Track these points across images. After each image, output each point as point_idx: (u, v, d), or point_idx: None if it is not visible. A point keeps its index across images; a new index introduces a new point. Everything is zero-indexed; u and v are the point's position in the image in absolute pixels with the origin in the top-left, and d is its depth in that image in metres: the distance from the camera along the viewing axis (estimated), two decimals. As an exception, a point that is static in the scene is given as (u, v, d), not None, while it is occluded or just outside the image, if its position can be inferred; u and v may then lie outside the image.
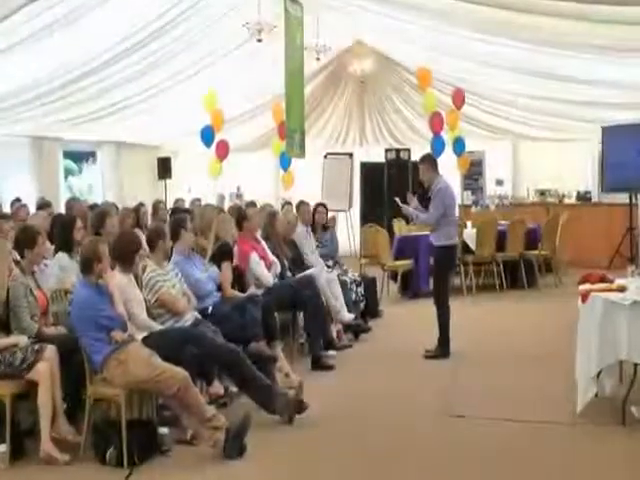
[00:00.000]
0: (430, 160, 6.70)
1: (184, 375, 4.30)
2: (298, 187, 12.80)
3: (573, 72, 10.09)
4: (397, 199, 6.80)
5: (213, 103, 10.78)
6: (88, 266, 4.45)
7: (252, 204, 8.26)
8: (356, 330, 7.60)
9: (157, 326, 4.92)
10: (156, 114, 11.35)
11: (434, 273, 6.71)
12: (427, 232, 9.77)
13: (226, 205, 11.84)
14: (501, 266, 10.20)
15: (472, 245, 10.09)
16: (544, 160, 13.31)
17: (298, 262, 7.50)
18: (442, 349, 6.54)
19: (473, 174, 13.77)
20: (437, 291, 6.63)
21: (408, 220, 11.62)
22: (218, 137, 11.03)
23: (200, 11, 9.19)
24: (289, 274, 7.14)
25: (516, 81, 11.13)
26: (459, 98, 11.39)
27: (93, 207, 8.27)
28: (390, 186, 14.56)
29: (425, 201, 6.86)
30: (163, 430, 4.54)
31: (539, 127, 12.86)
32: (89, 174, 15.55)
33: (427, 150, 11.64)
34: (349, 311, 7.40)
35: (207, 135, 10.90)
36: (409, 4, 9.24)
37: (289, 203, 9.57)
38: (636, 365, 4.67)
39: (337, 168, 15.09)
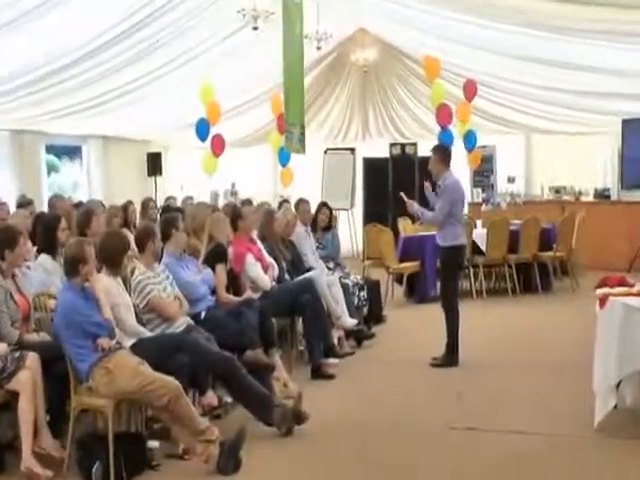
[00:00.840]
0: (443, 151, 6.67)
1: (175, 385, 4.29)
2: (297, 184, 12.81)
3: (592, 61, 10.08)
4: (403, 194, 6.76)
5: (209, 95, 10.77)
6: (73, 269, 4.45)
7: (248, 202, 8.27)
8: (359, 336, 7.60)
9: (147, 332, 4.92)
10: (146, 106, 11.34)
11: (441, 276, 6.72)
12: (434, 232, 9.86)
13: (220, 203, 11.85)
14: (513, 269, 10.20)
15: (482, 246, 10.09)
16: (559, 155, 13.30)
17: (297, 264, 7.50)
18: (450, 357, 6.54)
19: (483, 170, 13.78)
20: (444, 295, 6.65)
21: (414, 219, 11.68)
22: (214, 131, 11.04)
23: (191, -4, 9.20)
24: (287, 277, 7.14)
25: (530, 71, 11.13)
26: (471, 89, 11.39)
27: (78, 205, 8.28)
28: (395, 183, 14.57)
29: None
30: (153, 444, 4.54)
31: (554, 120, 12.84)
32: (74, 170, 15.56)
33: (434, 144, 11.69)
34: (351, 316, 7.40)
35: (202, 129, 10.90)
36: (415, -11, 9.26)
37: (286, 201, 9.57)
38: (658, 374, 4.67)
39: (338, 164, 15.11)
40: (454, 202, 6.56)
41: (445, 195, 6.50)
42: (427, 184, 6.73)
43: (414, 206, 6.68)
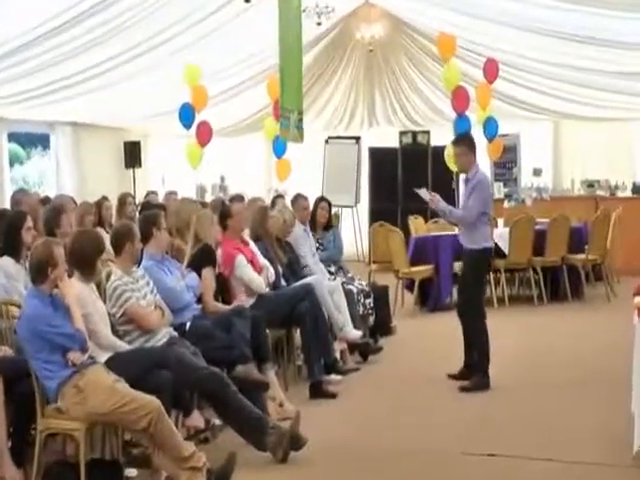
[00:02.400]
0: (469, 142, 6.65)
1: (156, 405, 4.29)
2: (294, 178, 12.81)
3: (631, 37, 10.07)
4: (421, 190, 6.71)
5: (195, 77, 10.77)
6: (40, 273, 4.44)
7: (239, 198, 8.23)
8: (364, 350, 7.60)
9: (124, 345, 4.92)
10: (122, 90, 11.34)
11: (468, 282, 6.64)
12: (450, 232, 9.90)
13: (208, 199, 11.84)
14: (539, 273, 10.21)
15: (504, 248, 10.09)
16: (593, 144, 13.33)
17: (294, 268, 7.50)
18: (482, 379, 6.45)
19: (506, 162, 13.79)
20: (471, 304, 6.56)
21: (427, 217, 11.70)
22: (199, 118, 11.04)
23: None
24: (284, 282, 7.14)
25: (559, 49, 11.13)
26: (491, 70, 11.39)
27: (45, 201, 8.27)
28: (405, 176, 14.59)
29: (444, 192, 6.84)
30: (131, 472, 4.54)
31: (587, 104, 12.85)
32: (40, 161, 15.56)
33: (449, 133, 11.71)
34: (356, 327, 7.39)
35: (186, 115, 10.90)
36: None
37: (281, 196, 9.57)
38: None
39: (341, 155, 15.12)
40: (488, 199, 6.58)
41: (478, 191, 6.47)
42: (435, 197, 6.61)
43: (440, 203, 6.59)
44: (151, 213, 5.97)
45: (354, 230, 14.79)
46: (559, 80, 12.29)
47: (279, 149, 12.29)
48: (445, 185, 12.38)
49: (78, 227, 6.69)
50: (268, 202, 8.94)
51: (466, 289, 6.65)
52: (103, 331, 4.80)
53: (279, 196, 9.60)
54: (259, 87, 12.40)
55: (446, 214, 6.76)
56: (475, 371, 6.53)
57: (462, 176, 7.03)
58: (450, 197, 12.52)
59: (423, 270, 9.94)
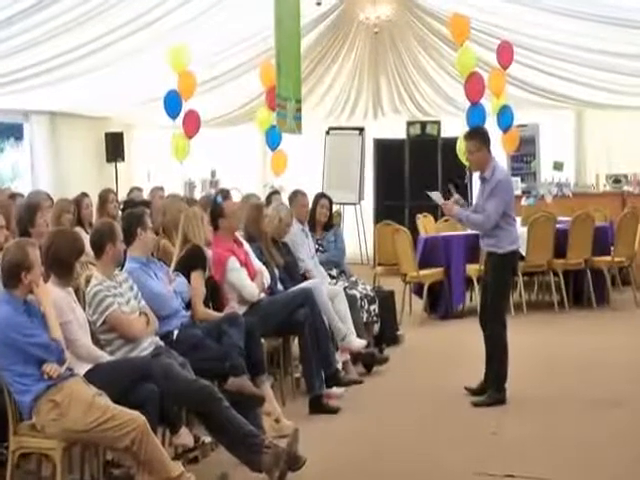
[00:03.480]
0: (483, 136, 6.59)
1: (141, 421, 4.29)
2: (292, 173, 12.80)
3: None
4: (433, 194, 6.71)
5: (182, 62, 10.77)
6: (13, 277, 4.44)
7: (225, 192, 8.21)
8: (369, 361, 7.61)
9: (105, 356, 4.92)
10: (104, 75, 11.34)
11: (491, 288, 6.61)
12: (462, 232, 9.90)
13: (197, 196, 11.84)
14: (560, 277, 10.21)
15: (522, 249, 10.06)
16: (619, 135, 13.29)
17: (292, 271, 7.50)
18: (497, 392, 6.46)
19: (523, 155, 13.78)
20: (494, 312, 6.53)
21: (437, 215, 11.70)
22: (186, 107, 11.03)
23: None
24: (280, 287, 7.15)
25: (583, 30, 11.13)
26: (506, 54, 11.39)
27: (18, 198, 8.27)
28: (413, 171, 14.59)
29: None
30: (113, 495, 4.54)
31: (612, 91, 12.84)
32: (13, 154, 15.55)
33: (461, 123, 11.69)
34: (359, 336, 7.40)
35: (172, 103, 10.90)
36: None
37: (277, 192, 9.58)
38: None
39: (343, 147, 15.12)
40: (509, 199, 6.53)
41: (499, 193, 6.42)
42: (449, 202, 6.59)
43: (453, 209, 6.56)
44: (135, 211, 5.97)
45: (357, 230, 14.79)
46: (582, 64, 12.26)
47: (273, 141, 12.29)
48: (456, 179, 12.36)
49: (55, 226, 6.69)
50: (263, 199, 8.93)
51: (489, 296, 6.62)
52: (82, 340, 4.79)
53: (275, 192, 9.60)
54: (252, 73, 12.40)
55: (462, 220, 6.72)
56: (490, 385, 6.53)
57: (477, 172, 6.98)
58: (463, 194, 12.52)
59: (433, 273, 9.94)
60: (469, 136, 6.67)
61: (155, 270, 5.73)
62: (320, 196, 8.70)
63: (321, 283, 7.38)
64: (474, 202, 6.86)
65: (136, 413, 4.33)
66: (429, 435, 5.88)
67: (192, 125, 11.16)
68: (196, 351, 5.36)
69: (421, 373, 7.58)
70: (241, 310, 6.29)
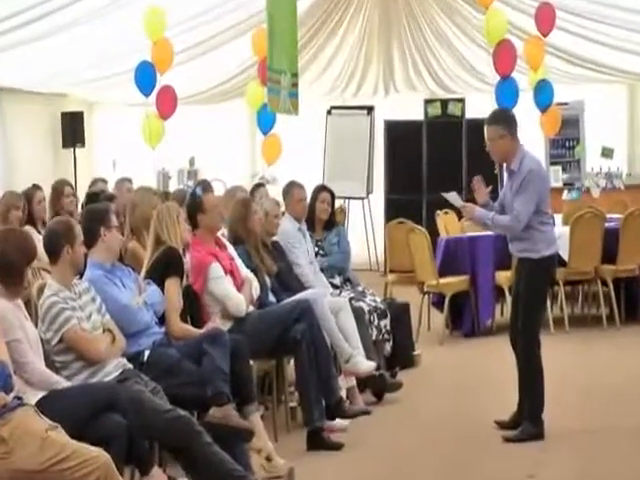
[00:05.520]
0: (507, 120, 6.59)
1: (104, 460, 4.28)
2: (287, 161, 12.81)
3: None
4: (452, 194, 6.71)
5: (158, 27, 10.75)
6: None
7: (206, 184, 8.20)
8: (379, 387, 7.59)
9: (62, 382, 4.91)
10: (59, 44, 11.34)
11: (523, 301, 6.62)
12: (490, 232, 9.87)
13: (172, 189, 11.84)
14: (610, 286, 10.20)
15: (563, 253, 10.07)
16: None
17: (286, 279, 7.51)
18: (533, 426, 6.43)
19: (565, 139, 13.80)
20: (527, 328, 6.53)
21: (461, 214, 11.67)
22: (161, 81, 11.03)
23: None
24: (272, 298, 7.15)
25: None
26: (546, 19, 11.39)
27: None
28: (432, 158, 14.57)
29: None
30: None
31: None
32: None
33: (490, 101, 11.68)
34: (368, 357, 7.39)
35: (145, 77, 10.89)
36: None
37: (262, 185, 9.56)
38: None
39: (348, 130, 15.11)
40: (543, 194, 6.51)
41: (530, 187, 6.40)
42: (483, 192, 6.61)
43: (474, 211, 6.58)
44: (97, 207, 5.98)
45: (365, 229, 14.80)
46: (636, 30, 12.26)
47: (265, 122, 12.29)
48: (485, 170, 12.33)
49: (1, 225, 6.68)
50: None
51: (520, 309, 6.60)
52: (34, 363, 4.78)
53: (259, 185, 9.57)
54: (240, 41, 12.40)
55: (487, 224, 6.69)
56: (525, 417, 6.51)
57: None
58: (492, 186, 12.52)
59: (456, 282, 9.93)
60: (491, 121, 6.63)
61: (122, 278, 5.72)
62: (320, 189, 8.69)
63: (322, 294, 7.37)
64: (500, 196, 6.81)
65: (99, 450, 4.30)
66: (451, 477, 5.87)
67: (167, 103, 11.15)
68: (171, 375, 5.35)
69: (441, 402, 7.56)
70: (225, 326, 6.28)
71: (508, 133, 6.50)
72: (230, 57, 13.19)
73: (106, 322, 5.29)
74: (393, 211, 13.85)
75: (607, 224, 10.28)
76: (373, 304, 8.09)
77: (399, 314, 8.43)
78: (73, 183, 10.01)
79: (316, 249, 8.32)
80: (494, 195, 6.86)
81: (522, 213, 6.38)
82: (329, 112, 15.32)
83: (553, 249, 6.62)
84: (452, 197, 6.79)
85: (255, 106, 12.29)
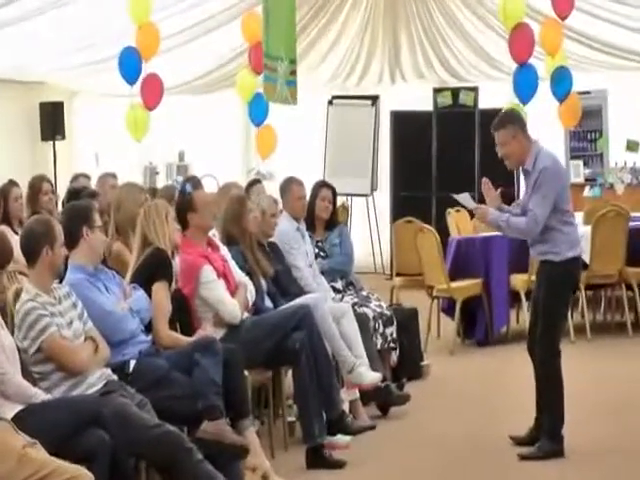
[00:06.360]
0: (516, 120, 6.61)
1: (87, 478, 4.28)
2: (284, 155, 12.81)
3: None
4: (464, 195, 6.71)
5: (143, 11, 10.75)
6: None
7: (195, 180, 8.21)
8: (384, 400, 7.58)
9: (40, 394, 4.90)
10: (37, 27, 11.34)
11: (544, 306, 6.61)
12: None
13: (160, 185, 11.84)
14: (636, 291, 10.21)
15: (584, 255, 10.04)
16: None
17: (284, 283, 7.51)
18: (552, 442, 6.42)
19: (586, 131, 13.79)
20: (547, 338, 6.52)
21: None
22: (147, 69, 11.02)
23: None
24: (269, 304, 7.15)
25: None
26: (564, 1, 11.38)
27: None
28: (442, 152, 14.59)
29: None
30: None
31: None
32: None
33: (506, 90, 11.68)
34: (372, 367, 7.39)
35: (129, 65, 10.89)
36: None
37: (258, 181, 9.56)
38: None
39: (351, 122, 15.11)
40: (561, 191, 6.50)
41: (544, 181, 6.40)
42: (492, 195, 6.64)
43: (487, 214, 6.57)
44: (79, 205, 5.97)
45: (369, 229, 14.80)
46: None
47: (258, 113, 12.27)
48: (500, 165, 12.32)
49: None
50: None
51: (540, 316, 6.59)
52: (10, 374, 4.78)
53: (255, 182, 9.58)
54: (232, 25, 12.39)
55: (501, 228, 6.67)
56: (543, 432, 6.51)
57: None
58: (509, 184, 12.50)
59: (468, 286, 9.94)
60: (499, 125, 6.60)
61: (106, 282, 5.72)
62: (321, 185, 8.69)
63: (322, 299, 7.36)
64: (521, 204, 6.81)
65: (80, 468, 4.30)
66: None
67: (153, 93, 11.15)
68: (159, 387, 5.35)
69: (452, 417, 7.55)
70: (218, 334, 6.28)
71: (520, 130, 6.52)
72: (221, 43, 13.18)
73: (88, 330, 5.28)
74: (400, 209, 13.89)
75: (632, 223, 10.29)
76: (378, 310, 8.10)
77: (406, 321, 8.44)
78: (52, 179, 10.02)
79: (316, 250, 8.32)
80: (507, 198, 6.85)
81: (538, 214, 6.38)
82: (330, 102, 15.33)
83: (576, 251, 6.60)
84: (464, 198, 6.78)
85: (246, 96, 12.26)
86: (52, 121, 13.88)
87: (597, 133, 14.04)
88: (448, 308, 10.12)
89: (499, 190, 6.72)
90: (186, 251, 6.54)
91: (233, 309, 6.57)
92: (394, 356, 8.17)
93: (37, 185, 8.97)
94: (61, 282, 5.42)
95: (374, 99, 15.28)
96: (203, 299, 6.51)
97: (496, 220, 6.55)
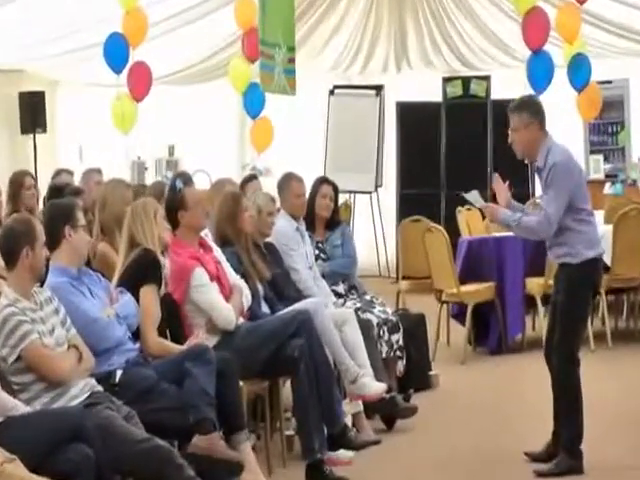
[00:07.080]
0: (535, 108, 6.59)
1: (70, 497, 4.29)
2: (282, 149, 12.81)
3: None
4: (472, 193, 6.72)
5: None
6: None
7: (186, 176, 8.20)
8: (389, 412, 7.59)
9: (20, 406, 4.90)
10: (15, 11, 11.34)
11: (563, 311, 6.61)
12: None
13: (149, 181, 11.84)
14: (660, 295, 10.23)
15: (605, 257, 10.04)
16: None
17: (282, 287, 7.51)
18: (570, 458, 6.41)
19: (607, 123, 13.79)
20: (565, 346, 6.51)
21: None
22: (134, 57, 11.03)
23: None
24: (266, 309, 7.16)
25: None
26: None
27: None
28: (452, 145, 14.58)
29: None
30: None
31: None
32: None
33: (520, 79, 11.67)
34: (377, 377, 7.39)
35: (115, 53, 10.90)
36: None
37: (254, 177, 9.57)
38: None
39: (354, 113, 15.12)
40: (574, 188, 6.49)
41: (557, 177, 6.40)
42: (503, 192, 6.64)
43: (497, 212, 6.59)
44: (62, 203, 5.98)
45: (374, 229, 14.80)
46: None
47: (254, 104, 12.26)
48: (514, 159, 12.34)
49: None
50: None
51: (559, 322, 6.57)
52: (-12, 384, 4.79)
53: (251, 177, 9.58)
54: (224, 11, 12.40)
55: (512, 227, 6.67)
56: (561, 448, 6.49)
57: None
58: (523, 180, 12.52)
59: (480, 290, 9.94)
60: (516, 108, 6.60)
61: (90, 285, 5.73)
62: (321, 182, 8.69)
63: (323, 304, 7.37)
64: (531, 200, 6.82)
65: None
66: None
67: (141, 82, 11.15)
68: (148, 399, 5.36)
69: (462, 430, 7.55)
70: (211, 341, 6.28)
71: (536, 120, 6.50)
72: (214, 29, 13.18)
73: (72, 337, 5.29)
74: (406, 207, 13.88)
75: (656, 224, 10.30)
76: (383, 316, 8.09)
77: (413, 327, 8.45)
78: (33, 175, 9.98)
79: (316, 252, 8.32)
80: (519, 195, 6.85)
81: (551, 213, 6.38)
82: (332, 92, 15.33)
83: (596, 250, 6.57)
84: (472, 196, 6.77)
85: (240, 86, 12.24)
86: (32, 112, 13.85)
87: (618, 126, 14.03)
88: (458, 314, 10.12)
89: (507, 187, 6.71)
90: (176, 252, 6.53)
91: (227, 314, 6.57)
92: (400, 365, 8.16)
93: (18, 181, 8.94)
94: (42, 286, 5.42)
95: (378, 89, 15.28)
96: (195, 304, 6.52)
97: (507, 220, 6.55)
